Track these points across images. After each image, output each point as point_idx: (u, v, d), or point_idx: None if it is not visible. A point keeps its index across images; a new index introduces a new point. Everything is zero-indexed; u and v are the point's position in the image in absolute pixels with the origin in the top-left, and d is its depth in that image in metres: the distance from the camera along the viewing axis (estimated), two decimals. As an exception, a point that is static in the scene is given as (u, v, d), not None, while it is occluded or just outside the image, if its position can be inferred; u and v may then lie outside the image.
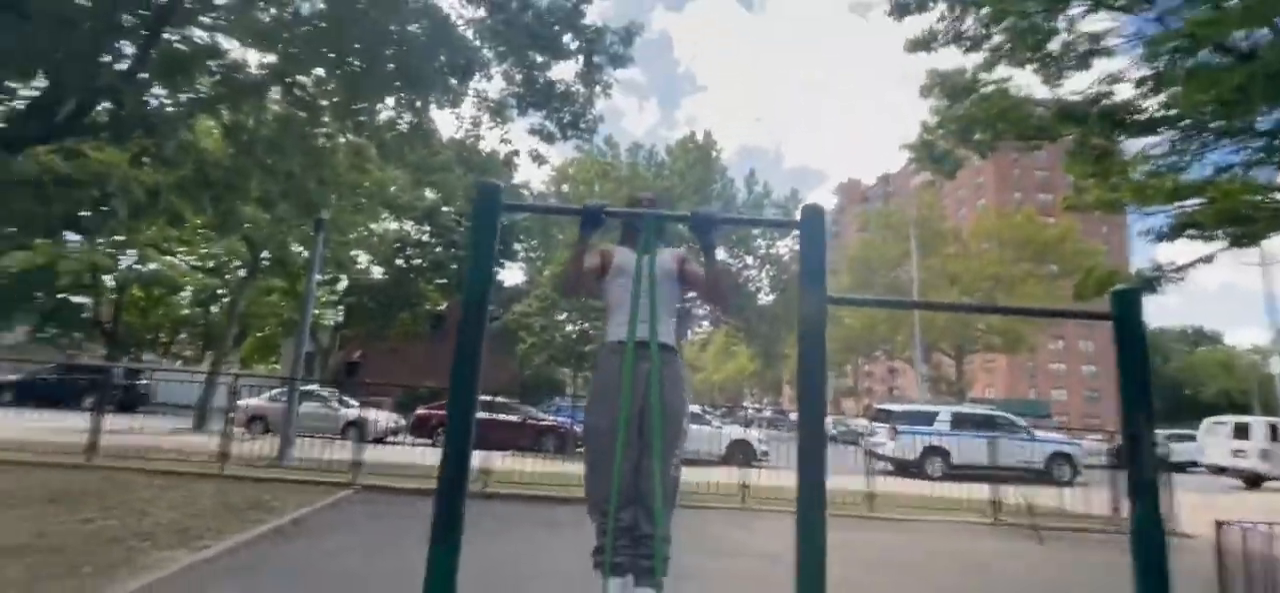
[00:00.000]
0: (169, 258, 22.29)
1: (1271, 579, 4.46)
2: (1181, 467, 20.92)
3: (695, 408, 18.54)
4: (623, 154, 28.35)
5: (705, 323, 31.89)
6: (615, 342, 2.51)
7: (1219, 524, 4.79)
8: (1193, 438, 20.66)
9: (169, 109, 5.97)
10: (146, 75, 5.53)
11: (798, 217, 2.44)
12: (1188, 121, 5.04)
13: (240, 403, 13.40)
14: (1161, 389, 66.70)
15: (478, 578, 4.82)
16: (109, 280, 27.66)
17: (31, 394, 14.49)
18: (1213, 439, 18.13)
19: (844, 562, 6.00)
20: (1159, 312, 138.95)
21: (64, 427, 8.83)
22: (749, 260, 28.08)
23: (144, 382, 19.93)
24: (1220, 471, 17.74)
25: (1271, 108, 4.18)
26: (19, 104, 6.16)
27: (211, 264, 21.44)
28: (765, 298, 28.11)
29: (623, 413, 2.19)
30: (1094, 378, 62.71)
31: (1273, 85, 3.93)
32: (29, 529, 4.83)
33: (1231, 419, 18.07)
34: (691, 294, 2.87)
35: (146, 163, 6.12)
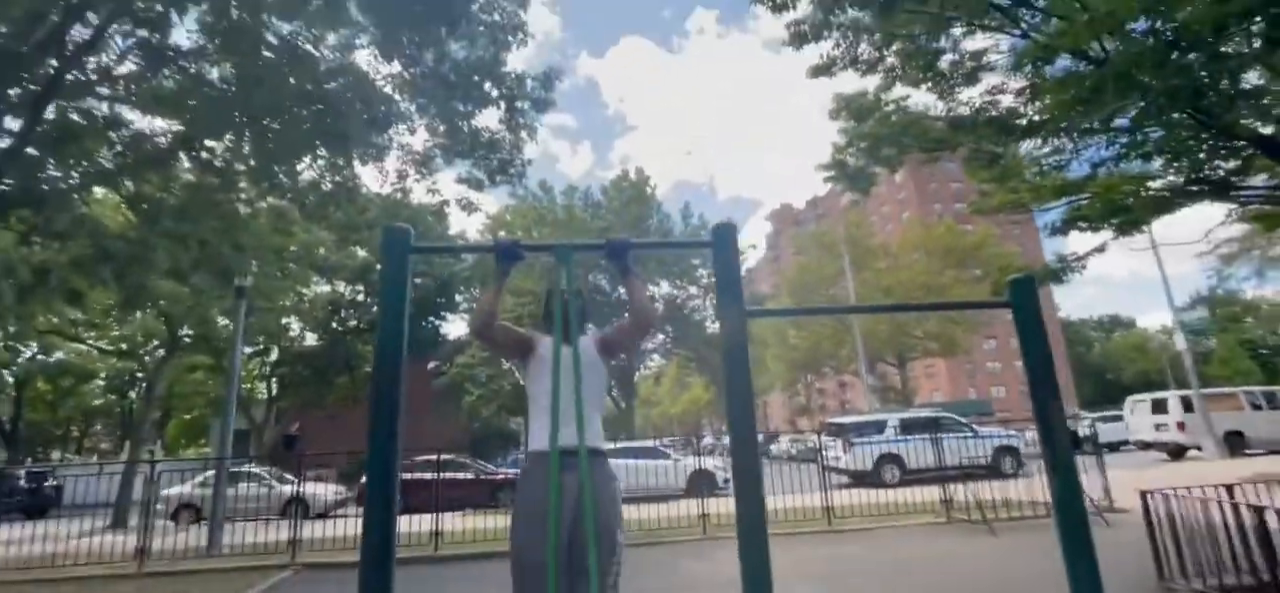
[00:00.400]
0: (76, 345, 20.68)
1: (1192, 536, 4.75)
2: (1114, 446, 22.19)
3: (653, 442, 18.39)
4: (558, 197, 28.49)
5: (655, 356, 31.98)
6: (539, 451, 2.31)
7: (1143, 495, 5.08)
8: (1120, 418, 21.95)
9: (61, 183, 5.59)
10: (32, 149, 5.18)
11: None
12: (1062, 124, 5.51)
13: (165, 492, 12.41)
14: (1086, 375, 71.02)
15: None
16: (7, 376, 25.40)
17: (-84, 511, 12.94)
18: (1136, 417, 19.31)
19: (809, 579, 6.02)
20: (1081, 304, 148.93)
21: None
22: (693, 290, 28.49)
23: (51, 483, 18.19)
24: (1146, 445, 18.86)
25: (1125, 105, 4.63)
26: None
27: (124, 347, 19.99)
28: (712, 326, 28.49)
29: (551, 536, 2.00)
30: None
31: (1121, 85, 4.36)
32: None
33: (1150, 397, 19.33)
34: (616, 357, 2.75)
35: (36, 242, 5.69)
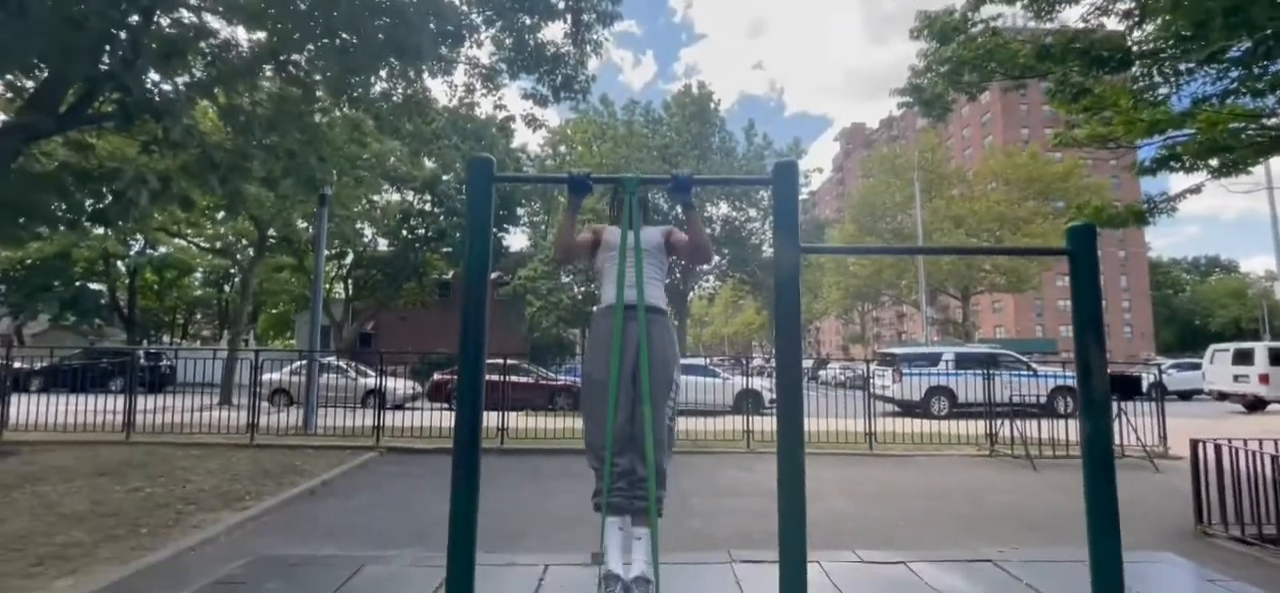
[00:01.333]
0: (178, 241, 22.64)
1: (1238, 486, 4.75)
2: (1187, 395, 21.21)
3: (703, 361, 18.86)
4: (618, 112, 28.10)
5: (710, 277, 32.09)
6: (607, 306, 2.65)
7: (1193, 443, 5.06)
8: (1197, 366, 20.85)
9: (170, 93, 6.12)
10: (142, 61, 5.68)
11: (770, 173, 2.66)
12: (1164, 56, 5.07)
13: (263, 377, 13.86)
14: (1172, 319, 66.61)
15: (499, 518, 5.20)
16: (121, 266, 28.19)
17: (59, 380, 15.00)
18: (1215, 366, 18.31)
19: (844, 495, 6.36)
20: (1180, 242, 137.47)
21: (98, 408, 9.27)
22: (753, 212, 28.06)
23: (166, 363, 20.49)
24: (1222, 396, 17.98)
25: (1229, 44, 4.21)
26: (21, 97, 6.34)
27: (219, 245, 21.77)
28: (769, 250, 28.18)
29: (613, 365, 2.37)
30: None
31: (1231, 20, 3.94)
32: (85, 499, 5.23)
33: (1233, 346, 18.22)
34: (672, 256, 3.03)
35: (154, 150, 6.31)
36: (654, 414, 2.45)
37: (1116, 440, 8.76)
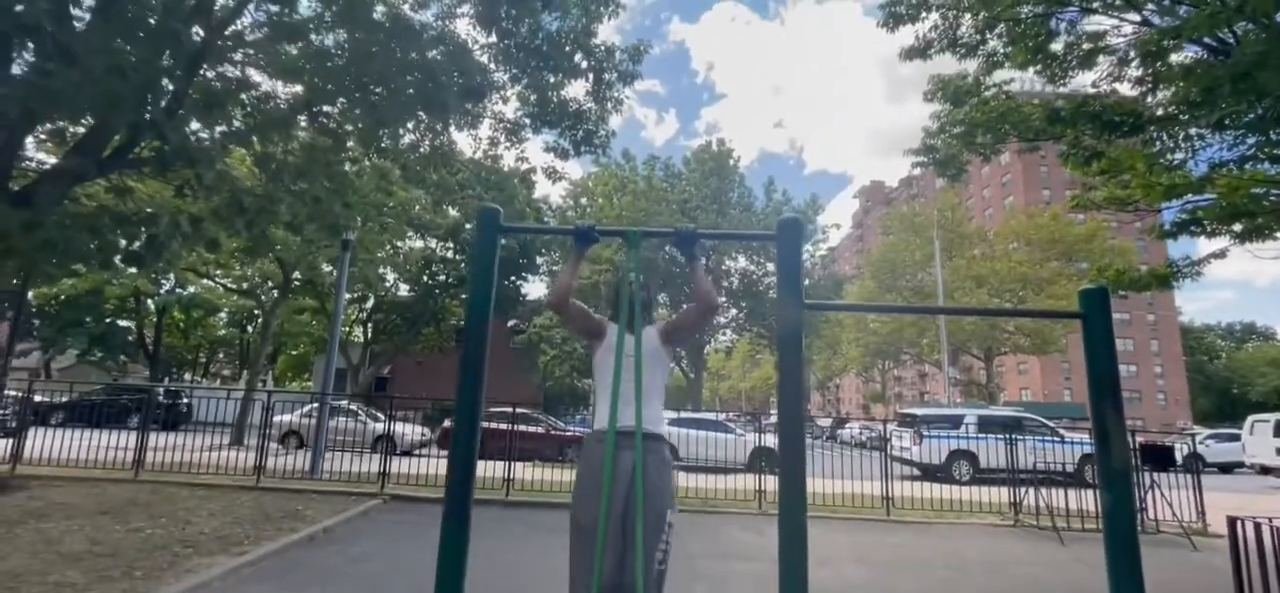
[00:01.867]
0: (206, 281, 23.25)
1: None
2: (1227, 468, 20.23)
3: (717, 415, 18.56)
4: (639, 167, 28.64)
5: (727, 331, 31.90)
6: (600, 430, 2.45)
7: (1231, 520, 4.77)
8: (1236, 438, 19.97)
9: (206, 142, 6.38)
10: (184, 111, 5.96)
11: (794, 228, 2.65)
12: (1179, 121, 5.03)
13: (275, 419, 13.93)
14: (1208, 387, 64.29)
15: (500, 574, 5.05)
16: (150, 304, 28.95)
17: (81, 415, 15.24)
18: (1256, 438, 17.52)
19: (858, 562, 6.09)
20: (1211, 308, 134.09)
21: (111, 445, 9.35)
22: (770, 267, 28.06)
23: (184, 400, 20.75)
24: (1266, 470, 17.13)
25: (1239, 109, 4.16)
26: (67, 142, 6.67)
27: (245, 285, 22.31)
28: (786, 305, 28.06)
29: (603, 509, 2.21)
30: (1133, 378, 60.57)
31: (1240, 86, 3.91)
32: (85, 538, 5.21)
33: (1274, 417, 17.45)
34: (679, 344, 2.87)
35: (188, 194, 6.55)
36: (645, 562, 2.28)
37: (1151, 515, 8.32)
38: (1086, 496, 8.59)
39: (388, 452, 9.38)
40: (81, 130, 7.15)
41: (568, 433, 16.05)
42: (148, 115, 5.73)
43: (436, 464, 10.20)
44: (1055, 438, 14.26)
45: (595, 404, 2.67)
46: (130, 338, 29.97)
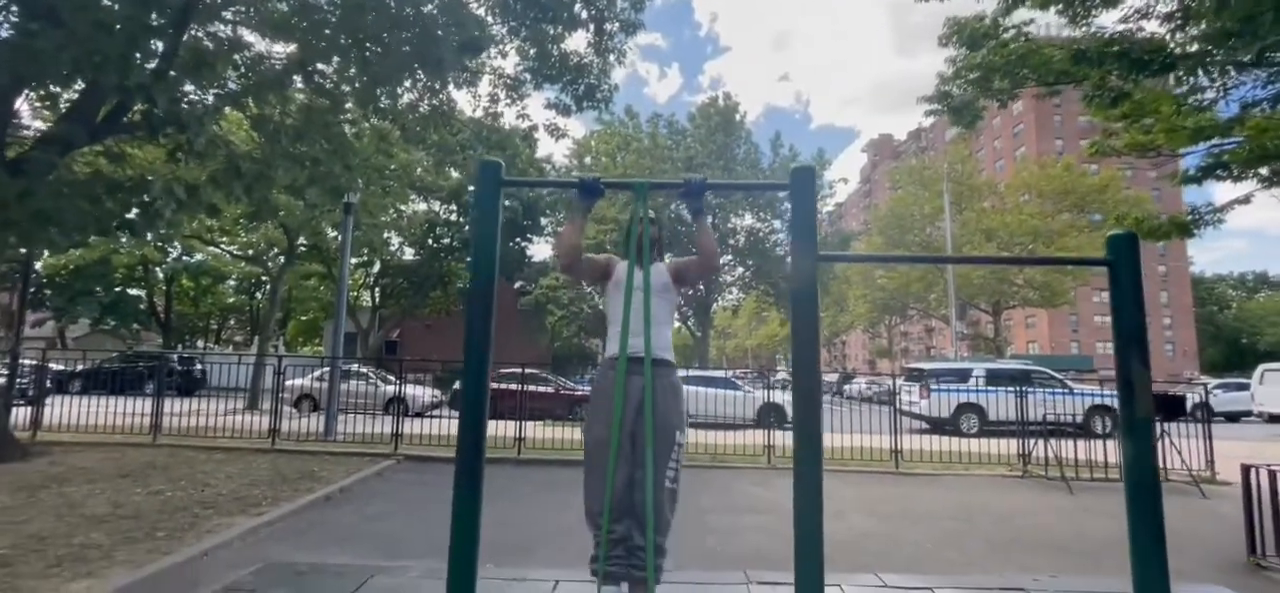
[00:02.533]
0: (212, 249, 23.29)
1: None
2: (1234, 417, 20.25)
3: (725, 373, 18.64)
4: (643, 124, 28.16)
5: (734, 289, 31.82)
6: (611, 357, 2.54)
7: (1245, 468, 4.75)
8: (1245, 387, 19.94)
9: (198, 104, 6.26)
10: (174, 73, 5.83)
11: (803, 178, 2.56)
12: (1213, 56, 4.80)
13: (289, 383, 14.08)
14: (1217, 337, 64.00)
15: (511, 530, 5.13)
16: (159, 273, 29.11)
17: (98, 382, 15.48)
18: (1265, 387, 17.48)
19: (868, 513, 6.14)
20: (1223, 257, 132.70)
21: (129, 411, 9.48)
22: (777, 224, 27.80)
23: (199, 367, 21.02)
24: (1273, 418, 17.15)
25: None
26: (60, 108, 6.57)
27: (251, 253, 22.34)
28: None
29: (615, 426, 2.27)
30: (1141, 329, 60.28)
31: None
32: (107, 501, 5.30)
33: (1284, 365, 17.37)
34: (685, 287, 2.92)
35: (181, 159, 6.46)
36: (655, 478, 2.33)
37: (1160, 463, 8.33)
38: (1095, 446, 8.61)
39: (400, 414, 9.47)
40: (74, 97, 7.04)
41: (578, 392, 16.17)
42: (135, 77, 5.62)
43: (448, 425, 10.30)
44: (1064, 390, 14.25)
45: (606, 335, 2.72)
46: (141, 306, 30.23)
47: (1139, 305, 2.43)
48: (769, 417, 13.32)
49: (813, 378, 2.40)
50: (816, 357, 2.46)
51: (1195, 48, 4.90)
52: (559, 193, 24.49)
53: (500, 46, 9.66)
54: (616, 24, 9.30)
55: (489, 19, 9.12)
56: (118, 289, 27.92)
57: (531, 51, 9.73)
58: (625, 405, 2.34)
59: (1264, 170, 5.16)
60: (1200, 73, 4.96)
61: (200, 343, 40.42)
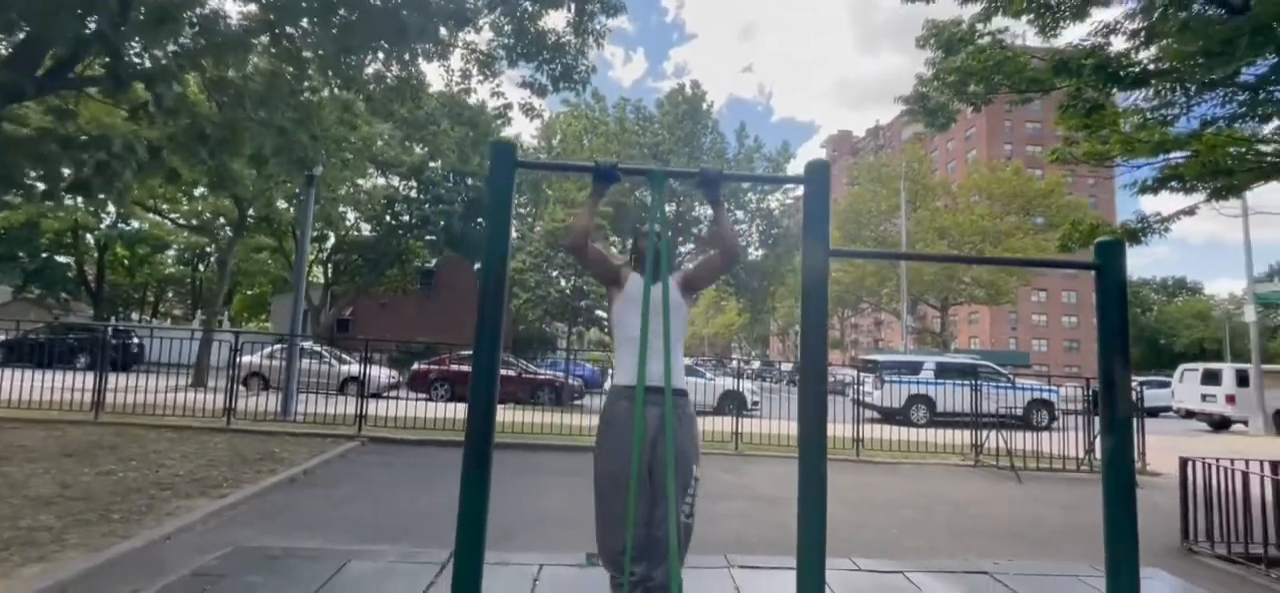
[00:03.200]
0: (153, 216, 21.97)
1: (1225, 506, 4.83)
2: (1155, 412, 21.75)
3: (687, 360, 18.84)
4: (609, 108, 27.96)
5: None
6: (624, 386, 2.40)
7: (1183, 461, 5.13)
8: (1166, 385, 21.40)
9: (164, 60, 5.86)
10: (125, 28, 5.42)
11: (796, 172, 2.59)
12: (1177, 74, 5.12)
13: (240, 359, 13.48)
14: (1139, 338, 68.44)
15: (495, 514, 5.07)
16: (91, 239, 27.31)
17: (22, 354, 14.44)
18: (1185, 385, 18.81)
19: (836, 501, 6.34)
20: (1149, 263, 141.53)
21: (62, 386, 8.90)
22: (740, 215, 28.14)
23: (135, 341, 19.87)
24: (1189, 414, 18.49)
25: (1255, 61, 4.27)
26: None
27: (196, 222, 21.17)
28: (754, 253, 28.31)
29: (634, 464, 2.14)
30: (1073, 329, 64.22)
31: (1259, 38, 4.01)
32: (53, 481, 4.98)
33: (1202, 366, 18.73)
34: (697, 292, 2.80)
35: (143, 118, 6.05)
36: (676, 517, 2.19)
37: (1098, 455, 8.91)
38: (1040, 438, 9.12)
39: (363, 393, 9.21)
40: (11, 47, 6.48)
41: (540, 376, 16.06)
42: (92, 27, 5.22)
43: (410, 407, 10.09)
44: (1007, 384, 15.00)
45: (617, 357, 2.57)
46: (70, 274, 28.33)
47: (1123, 307, 2.56)
48: (729, 404, 13.61)
49: (820, 370, 2.45)
50: (824, 350, 2.50)
51: (1168, 66, 5.20)
52: (524, 174, 24.07)
53: (473, 21, 9.39)
54: (598, 4, 9.15)
55: (464, -11, 8.83)
56: (44, 255, 26.07)
57: (507, 27, 9.48)
58: (643, 439, 2.21)
59: (1213, 184, 5.53)
60: (1168, 89, 5.27)
61: (134, 315, 38.19)
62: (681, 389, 2.48)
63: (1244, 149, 5.12)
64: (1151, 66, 5.36)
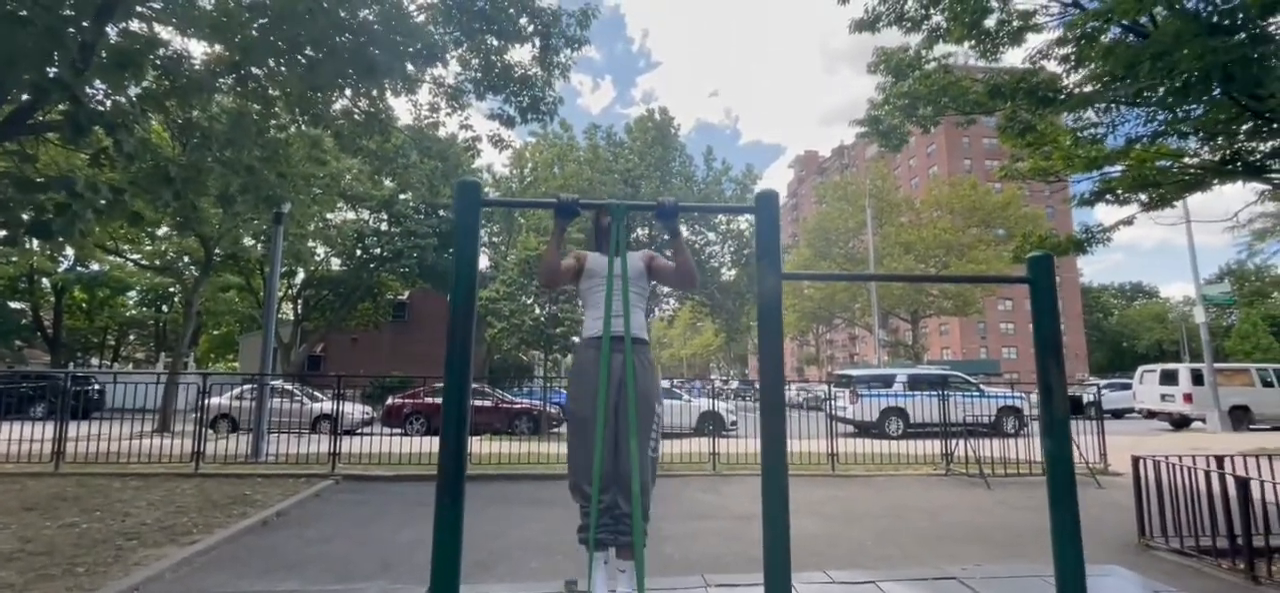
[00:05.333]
0: (113, 257, 21.40)
1: (1177, 500, 5.07)
2: (1119, 414, 22.44)
3: (666, 383, 18.90)
4: (579, 136, 28.25)
5: (670, 301, 32.31)
6: (592, 337, 2.71)
7: (1135, 459, 5.37)
8: (1128, 387, 22.12)
9: (124, 104, 5.84)
10: (87, 72, 5.39)
11: (753, 201, 2.75)
12: (1102, 96, 5.50)
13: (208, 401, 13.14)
14: (1102, 342, 70.60)
15: (466, 547, 5.05)
16: (46, 284, 26.42)
17: (-26, 406, 13.86)
18: (1145, 386, 19.47)
19: (812, 515, 6.46)
20: (1106, 269, 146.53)
21: (21, 437, 8.59)
22: (711, 237, 28.51)
23: (95, 387, 19.21)
24: (1151, 415, 19.12)
25: (1156, 82, 4.63)
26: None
27: (158, 263, 20.67)
28: (727, 273, 28.66)
29: (601, 402, 2.40)
30: (1040, 335, 65.96)
31: (1160, 61, 4.36)
32: (13, 536, 4.83)
33: (1160, 367, 19.42)
34: (660, 287, 3.14)
35: (104, 163, 6.00)
36: (639, 448, 2.47)
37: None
38: (1007, 444, 9.39)
39: (336, 431, 9.07)
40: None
41: (516, 405, 15.95)
42: (51, 74, 5.19)
43: (384, 443, 9.96)
44: (977, 392, 15.38)
45: (585, 318, 2.90)
46: (24, 321, 27.33)
47: (1055, 317, 2.76)
48: (708, 424, 13.68)
49: (778, 390, 2.59)
50: (781, 370, 2.64)
51: (1089, 88, 5.57)
52: (517, 209, 24.14)
53: (441, 58, 9.52)
54: (562, 39, 9.37)
55: (431, 28, 8.97)
56: (-3, 303, 25.15)
57: (474, 62, 9.64)
58: (608, 381, 2.47)
59: (1143, 196, 5.90)
60: (1091, 110, 5.64)
61: (94, 360, 36.87)
62: (642, 339, 2.77)
63: (1171, 163, 5.49)
64: (1077, 90, 5.73)
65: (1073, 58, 5.70)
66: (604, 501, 2.60)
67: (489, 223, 26.04)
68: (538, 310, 20.26)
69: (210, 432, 13.12)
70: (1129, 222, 6.54)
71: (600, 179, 24.73)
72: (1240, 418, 16.94)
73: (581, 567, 4.64)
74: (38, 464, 8.05)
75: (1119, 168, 5.88)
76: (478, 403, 14.69)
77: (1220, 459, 5.11)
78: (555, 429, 14.72)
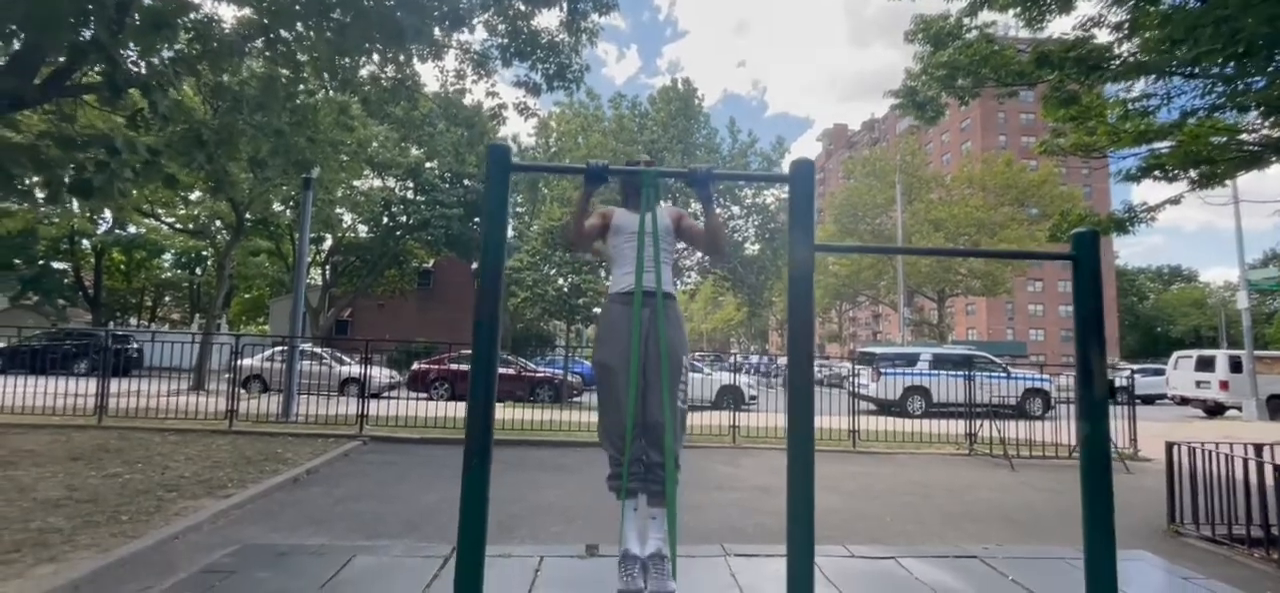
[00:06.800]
0: (149, 220, 21.98)
1: (1209, 488, 4.94)
2: (1150, 399, 21.91)
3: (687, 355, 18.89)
4: (604, 105, 27.95)
5: (692, 274, 32.17)
6: (620, 291, 2.72)
7: (1169, 445, 5.24)
8: (1160, 372, 21.55)
9: (159, 67, 5.92)
10: (122, 35, 5.49)
11: (787, 170, 2.68)
12: (1157, 66, 5.22)
13: (238, 363, 13.55)
14: (1136, 326, 68.74)
15: (494, 508, 5.16)
16: (87, 245, 27.30)
17: (21, 362, 14.47)
18: (1179, 372, 18.95)
19: (832, 490, 6.45)
20: (1144, 252, 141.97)
21: (67, 392, 8.97)
22: (736, 210, 28.18)
23: (134, 346, 19.90)
24: (1184, 401, 18.63)
25: (1216, 50, 4.36)
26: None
27: (193, 226, 21.18)
28: (752, 247, 28.37)
29: (634, 354, 2.42)
30: (1069, 318, 64.54)
31: (1222, 27, 4.11)
32: (60, 484, 5.06)
33: (1196, 353, 18.87)
34: (683, 246, 3.10)
35: (140, 126, 6.11)
36: (669, 400, 2.52)
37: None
38: (1034, 427, 9.24)
39: (363, 394, 9.29)
40: (8, 57, 6.52)
41: (539, 374, 16.14)
42: (88, 35, 5.26)
43: (410, 406, 10.16)
44: (1003, 374, 15.12)
45: (612, 273, 2.89)
46: (67, 281, 28.33)
47: (1098, 297, 2.66)
48: (727, 398, 13.69)
49: (808, 363, 2.55)
50: (811, 344, 2.59)
51: (1145, 57, 5.29)
52: (521, 174, 24.12)
53: (468, 22, 9.44)
54: (590, 3, 9.21)
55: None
56: (41, 262, 26.06)
57: (501, 27, 9.54)
58: (640, 334, 2.50)
59: (1194, 173, 5.63)
60: (1142, 81, 5.37)
61: (132, 320, 38.18)
62: (670, 294, 2.76)
63: (1226, 138, 5.22)
64: (1131, 59, 5.45)
65: (1126, 25, 5.42)
66: (634, 450, 2.62)
67: (514, 193, 26.07)
68: (561, 281, 20.35)
69: (243, 392, 13.56)
70: (1176, 200, 6.28)
71: (625, 150, 24.53)
72: (1278, 408, 16.42)
73: (599, 531, 4.73)
74: (82, 417, 8.40)
75: (1168, 143, 5.61)
76: (501, 371, 14.87)
77: (1259, 447, 4.96)
78: (576, 398, 14.88)
